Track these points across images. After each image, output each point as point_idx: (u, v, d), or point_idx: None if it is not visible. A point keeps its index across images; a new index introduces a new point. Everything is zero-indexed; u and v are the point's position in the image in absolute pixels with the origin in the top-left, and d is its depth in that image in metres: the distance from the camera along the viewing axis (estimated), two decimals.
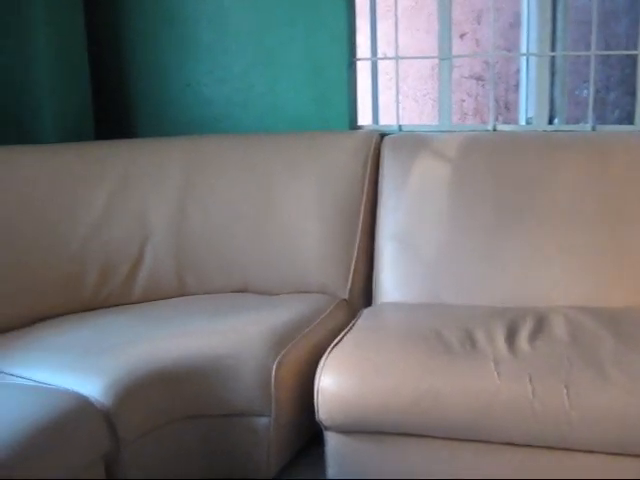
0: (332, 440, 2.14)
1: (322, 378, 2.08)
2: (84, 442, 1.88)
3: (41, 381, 2.03)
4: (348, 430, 2.10)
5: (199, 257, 2.74)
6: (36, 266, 2.53)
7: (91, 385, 1.98)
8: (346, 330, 2.32)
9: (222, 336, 2.24)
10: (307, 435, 2.38)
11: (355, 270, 2.72)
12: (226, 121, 3.12)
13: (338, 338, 2.25)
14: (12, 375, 2.08)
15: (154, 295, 2.69)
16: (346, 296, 2.69)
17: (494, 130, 2.93)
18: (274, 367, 2.14)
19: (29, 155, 2.68)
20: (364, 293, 2.77)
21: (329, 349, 2.18)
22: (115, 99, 3.24)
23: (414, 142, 2.82)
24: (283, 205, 2.76)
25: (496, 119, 3.29)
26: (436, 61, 3.10)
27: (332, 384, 2.06)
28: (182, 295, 2.72)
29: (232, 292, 2.74)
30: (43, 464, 1.74)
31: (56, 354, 2.17)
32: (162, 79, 3.18)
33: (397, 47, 3.04)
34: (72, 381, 2.00)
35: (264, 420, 2.18)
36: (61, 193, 2.64)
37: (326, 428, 2.12)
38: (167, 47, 3.16)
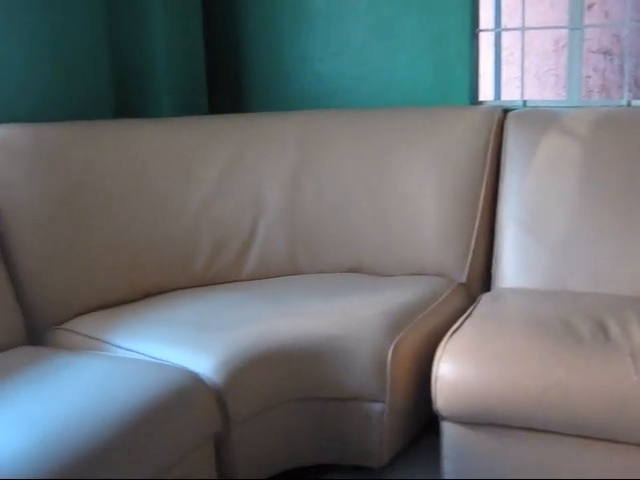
0: (449, 430, 2.02)
1: (441, 365, 1.97)
2: (195, 420, 1.84)
3: (153, 356, 2.01)
4: (467, 421, 1.98)
5: (312, 235, 2.67)
6: (149, 240, 2.51)
7: (203, 362, 1.94)
8: (465, 316, 2.20)
9: (337, 317, 2.16)
10: (421, 424, 2.28)
11: (474, 253, 2.59)
12: (340, 96, 3.02)
13: (457, 324, 2.13)
14: (124, 349, 2.08)
15: (265, 273, 2.64)
16: (464, 280, 2.56)
17: (628, 105, 2.71)
18: (390, 351, 2.04)
19: (145, 128, 2.66)
20: (482, 277, 2.63)
21: (448, 335, 2.06)
22: (229, 73, 3.20)
23: (540, 118, 2.64)
24: (399, 183, 2.65)
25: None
26: (560, 35, 2.91)
27: (452, 371, 1.95)
28: (293, 274, 2.66)
29: (345, 272, 2.65)
30: (154, 440, 1.71)
31: (168, 329, 2.15)
32: (276, 53, 3.12)
33: (524, 16, 2.86)
34: (184, 357, 1.96)
35: (378, 406, 2.09)
36: (175, 167, 2.62)
37: (443, 418, 2.02)
38: (282, 21, 3.09)
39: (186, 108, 2.97)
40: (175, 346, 2.03)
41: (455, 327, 2.10)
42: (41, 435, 1.55)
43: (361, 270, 2.65)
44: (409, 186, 2.64)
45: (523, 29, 2.89)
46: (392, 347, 2.05)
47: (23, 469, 1.44)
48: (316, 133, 2.75)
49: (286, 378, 2.05)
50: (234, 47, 3.18)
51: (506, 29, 3.09)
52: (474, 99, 2.90)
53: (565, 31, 2.84)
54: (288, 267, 2.66)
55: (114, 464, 1.59)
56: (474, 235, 2.58)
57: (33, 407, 1.69)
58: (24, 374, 1.88)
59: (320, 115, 2.82)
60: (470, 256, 2.58)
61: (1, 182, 2.24)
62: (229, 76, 3.20)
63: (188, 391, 1.83)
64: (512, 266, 2.52)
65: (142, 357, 2.01)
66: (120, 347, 2.08)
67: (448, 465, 2.05)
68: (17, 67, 2.57)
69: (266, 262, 2.65)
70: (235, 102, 3.17)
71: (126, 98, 2.94)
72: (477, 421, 1.96)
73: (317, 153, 2.72)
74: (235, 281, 2.61)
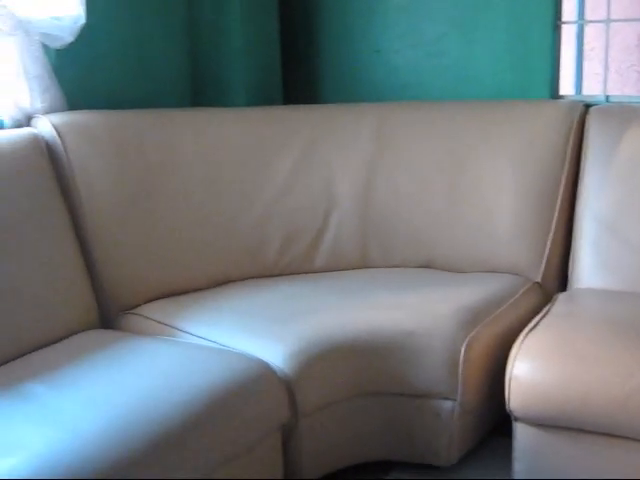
0: (522, 433, 1.96)
1: (516, 364, 1.91)
2: (264, 410, 1.83)
3: (222, 343, 2.00)
4: (542, 423, 1.92)
5: (384, 229, 2.63)
6: (221, 229, 2.52)
7: (273, 352, 1.93)
8: (541, 315, 2.13)
9: (408, 311, 2.12)
10: (492, 424, 2.23)
11: (550, 251, 2.51)
12: (416, 88, 2.97)
13: (533, 323, 2.07)
14: (194, 335, 2.08)
15: (336, 265, 2.61)
16: (539, 279, 2.49)
17: None
18: (463, 348, 2.00)
19: (221, 118, 2.67)
20: (558, 277, 2.55)
21: (524, 333, 2.00)
22: (304, 64, 3.18)
23: (624, 114, 2.55)
24: (475, 178, 2.59)
25: None
26: None
27: (527, 371, 1.89)
28: (364, 267, 2.63)
29: (416, 267, 2.61)
30: (223, 428, 1.71)
31: (238, 317, 2.15)
32: (351, 45, 3.09)
33: (609, 8, 2.76)
34: (254, 346, 1.95)
35: (448, 404, 2.05)
36: (249, 157, 2.61)
37: (516, 419, 1.96)
38: (357, 12, 3.06)
39: (261, 99, 2.96)
40: (245, 335, 2.02)
41: (531, 326, 2.04)
42: (114, 418, 1.56)
43: (433, 265, 2.60)
44: (485, 181, 2.58)
45: (608, 21, 2.79)
46: (465, 343, 2.00)
47: (97, 451, 1.45)
48: (391, 126, 2.71)
49: (356, 371, 2.03)
50: (309, 39, 3.16)
51: (590, 21, 2.98)
52: (554, 93, 2.81)
53: None
54: (359, 260, 2.63)
55: (183, 450, 1.59)
56: (551, 233, 2.51)
57: (105, 389, 1.70)
58: (97, 357, 1.90)
59: (395, 107, 2.78)
60: (546, 255, 2.51)
61: (80, 167, 2.26)
62: (304, 68, 3.18)
63: (258, 380, 1.83)
64: (590, 266, 2.43)
65: (213, 345, 2.01)
66: (190, 334, 2.09)
67: (519, 467, 2.00)
68: (100, 56, 2.61)
69: (337, 254, 2.62)
70: (309, 94, 3.15)
71: (203, 88, 2.95)
72: (553, 424, 1.90)
73: (391, 146, 2.68)
74: (306, 273, 2.59)
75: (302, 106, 2.86)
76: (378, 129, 2.70)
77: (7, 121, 2.30)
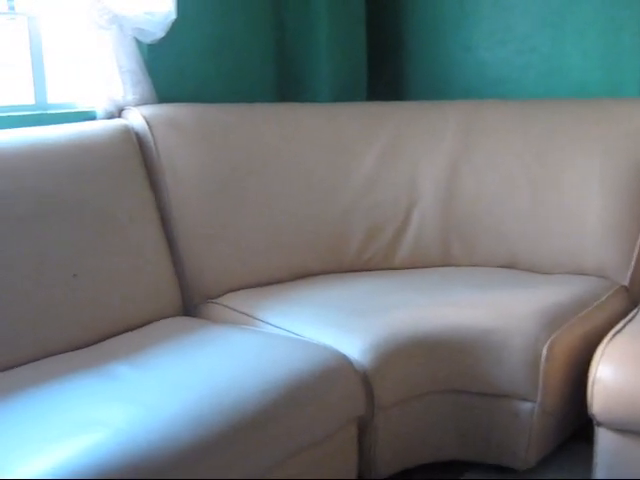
0: (605, 438, 1.90)
1: (600, 368, 1.86)
2: (340, 401, 1.84)
3: (301, 335, 2.02)
4: (625, 429, 1.86)
5: (467, 227, 2.60)
6: (304, 223, 2.54)
7: (351, 345, 1.93)
8: (627, 319, 2.07)
9: (489, 310, 2.09)
10: (573, 427, 2.18)
11: (639, 254, 2.43)
12: (504, 85, 2.93)
13: (619, 326, 2.00)
14: (274, 326, 2.10)
15: (417, 262, 2.60)
16: (626, 282, 2.41)
17: None
18: (545, 349, 1.96)
19: (306, 113, 2.69)
20: None
21: (609, 337, 1.94)
22: (390, 61, 3.17)
23: None
24: (562, 177, 2.52)
25: None
26: None
27: (612, 375, 1.83)
28: (446, 265, 2.60)
29: (499, 267, 2.56)
30: (299, 416, 1.72)
31: (317, 310, 2.16)
32: (439, 42, 3.07)
33: None
34: (333, 338, 1.96)
35: (528, 405, 2.01)
36: (334, 151, 2.62)
37: (599, 424, 1.90)
38: (447, 9, 3.03)
39: (345, 95, 2.98)
40: (324, 327, 2.03)
41: (616, 330, 1.98)
42: (194, 400, 1.59)
43: (516, 265, 2.55)
44: (572, 181, 2.51)
45: None
46: (547, 344, 1.96)
47: (176, 431, 1.48)
48: (477, 123, 2.67)
49: (434, 368, 2.01)
50: (396, 35, 3.15)
51: None
52: None
53: None
54: (441, 258, 2.61)
55: (259, 435, 1.61)
56: None
57: (186, 373, 1.74)
58: (179, 342, 1.95)
59: (482, 104, 2.74)
60: (635, 258, 2.43)
61: (167, 158, 2.32)
62: (390, 64, 3.17)
63: (335, 371, 1.83)
64: None
65: (291, 335, 2.02)
66: (269, 324, 2.11)
67: (600, 474, 1.94)
68: (189, 51, 2.67)
69: (419, 251, 2.61)
70: (394, 90, 3.14)
71: (289, 84, 2.99)
72: (637, 430, 1.84)
73: (477, 143, 2.65)
74: (386, 269, 2.59)
75: (387, 102, 2.85)
76: (464, 126, 2.67)
77: (100, 112, 2.38)
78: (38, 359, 1.86)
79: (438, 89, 3.04)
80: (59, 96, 2.42)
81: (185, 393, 1.62)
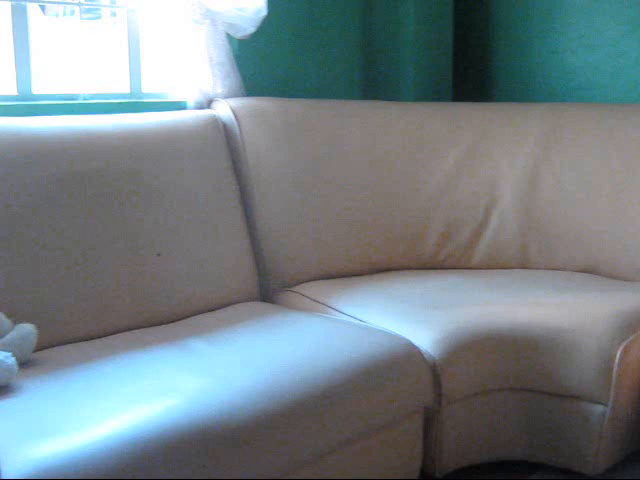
0: None
1: None
2: (408, 389, 1.86)
3: (374, 324, 2.05)
4: None
5: (546, 229, 2.58)
6: (382, 218, 2.57)
7: (422, 336, 1.96)
8: None
9: (564, 310, 2.07)
10: None
11: None
12: (591, 90, 2.90)
13: None
14: (347, 315, 2.14)
15: (493, 263, 2.60)
16: None
17: None
18: (619, 351, 1.93)
19: (389, 111, 2.72)
20: None
21: None
22: (475, 62, 3.18)
23: None
24: None
25: None
26: None
27: None
28: (522, 267, 2.59)
29: (577, 271, 2.54)
30: (367, 399, 1.76)
31: (390, 302, 2.18)
32: (526, 45, 3.06)
33: None
34: (403, 329, 1.99)
35: (599, 408, 1.98)
36: (415, 149, 2.65)
37: None
38: (534, 13, 3.03)
39: (430, 94, 3.01)
40: (396, 318, 2.06)
41: None
42: (264, 375, 1.65)
43: (595, 271, 2.52)
44: None
45: None
46: (622, 348, 1.93)
47: (245, 402, 1.54)
48: (560, 126, 2.66)
49: (504, 364, 2.01)
50: (483, 36, 3.16)
51: None
52: None
53: None
54: (518, 259, 2.60)
55: (325, 414, 1.65)
56: None
57: (259, 351, 1.80)
58: (254, 324, 2.01)
59: (567, 107, 2.72)
60: None
61: (252, 149, 2.40)
62: (475, 66, 3.18)
63: (405, 359, 1.86)
64: None
65: (364, 324, 2.06)
66: (343, 313, 2.16)
67: None
68: (278, 46, 2.75)
69: (496, 252, 2.60)
70: (479, 91, 3.15)
71: (374, 82, 3.04)
72: None
73: (559, 147, 2.63)
74: (462, 268, 2.60)
75: (470, 103, 2.86)
76: (547, 129, 2.66)
77: (190, 103, 2.48)
78: (124, 330, 1.97)
79: (523, 91, 3.04)
80: (153, 86, 2.54)
81: (257, 369, 1.68)
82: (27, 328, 1.74)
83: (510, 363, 2.02)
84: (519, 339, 2.01)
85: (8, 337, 1.71)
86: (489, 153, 2.66)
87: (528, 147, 2.65)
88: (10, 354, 1.59)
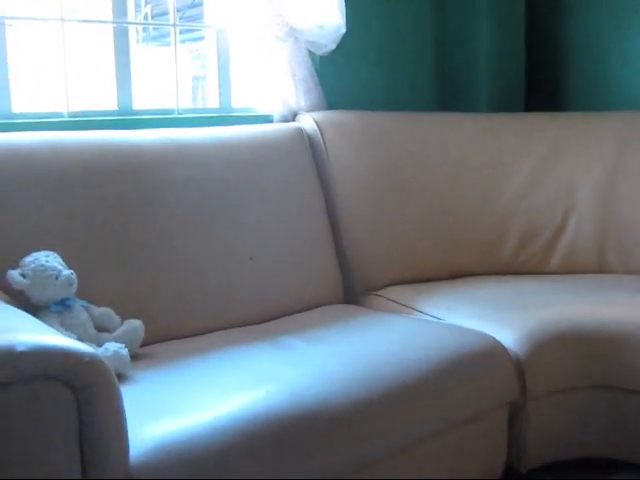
0: None
1: None
2: (493, 384, 1.93)
3: (458, 324, 2.12)
4: None
5: (624, 235, 2.61)
6: (463, 226, 2.65)
7: (506, 334, 2.02)
8: None
9: None
10: None
11: None
12: None
13: None
14: (432, 316, 2.22)
15: (571, 268, 2.64)
16: None
17: None
18: None
19: (464, 122, 2.81)
20: None
21: None
22: (548, 72, 3.23)
23: None
24: None
25: None
26: None
27: None
28: (600, 272, 2.62)
29: None
30: (454, 393, 1.83)
31: (472, 304, 2.25)
32: (598, 54, 3.10)
33: None
34: (488, 328, 2.05)
35: None
36: (491, 159, 2.72)
37: None
38: (606, 24, 3.06)
39: (503, 105, 3.08)
40: (480, 318, 2.12)
41: None
42: (356, 367, 1.74)
43: None
44: None
45: None
46: None
47: (340, 390, 1.63)
48: (636, 134, 2.69)
49: (588, 362, 2.05)
50: (555, 47, 3.21)
51: None
52: None
53: None
54: (595, 264, 2.63)
55: (415, 405, 1.73)
56: None
57: (350, 346, 1.89)
58: (343, 323, 2.10)
59: None
60: None
61: (335, 159, 2.52)
62: (548, 76, 3.23)
63: (490, 355, 1.93)
64: None
65: (448, 323, 2.13)
66: (427, 314, 2.23)
67: None
68: (356, 62, 2.87)
69: (573, 257, 2.64)
70: (551, 102, 3.20)
71: (448, 94, 3.13)
72: None
73: (636, 153, 2.66)
74: (540, 273, 2.65)
75: (544, 113, 2.91)
76: (622, 136, 2.70)
77: (276, 116, 2.61)
78: (219, 329, 2.09)
79: (596, 101, 3.07)
80: (241, 101, 2.68)
81: (350, 362, 1.77)
82: (135, 323, 1.87)
83: (592, 361, 2.06)
84: (601, 338, 2.05)
85: (119, 331, 1.84)
86: (565, 160, 2.71)
87: (604, 154, 2.69)
88: (123, 346, 1.72)
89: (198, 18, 2.74)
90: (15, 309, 1.49)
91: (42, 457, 1.18)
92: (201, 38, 2.70)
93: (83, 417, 1.22)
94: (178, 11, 2.56)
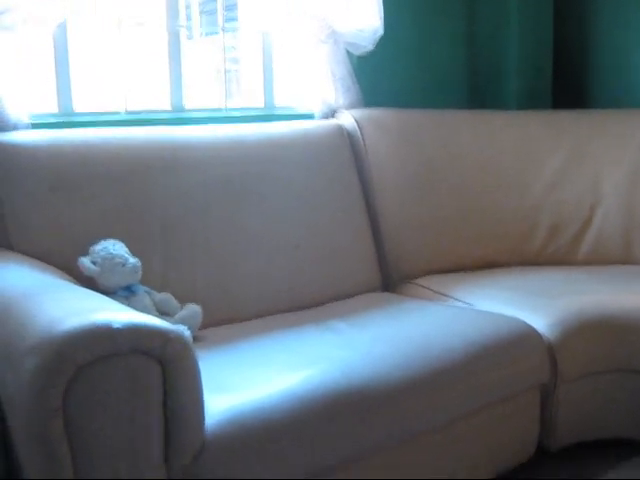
0: None
1: None
2: (526, 366, 2.05)
3: (492, 311, 2.24)
4: None
5: None
6: (494, 218, 2.77)
7: (538, 320, 2.14)
8: None
9: None
10: None
11: None
12: None
13: None
14: (467, 303, 2.35)
15: (598, 259, 2.76)
16: None
17: None
18: None
19: (495, 119, 2.93)
20: None
21: None
22: (575, 70, 3.34)
23: None
24: None
25: None
26: None
27: None
28: (626, 263, 2.74)
29: None
30: (488, 374, 1.96)
31: (505, 292, 2.37)
32: (623, 53, 3.19)
33: None
34: (522, 314, 2.17)
35: None
36: (521, 154, 2.85)
37: None
38: (633, 21, 3.15)
39: (532, 103, 3.20)
40: (513, 305, 2.25)
41: None
42: (398, 349, 1.87)
43: None
44: None
45: None
46: None
47: (383, 369, 1.76)
48: None
49: (616, 347, 2.17)
50: (582, 46, 3.32)
51: None
52: None
53: None
54: (622, 256, 2.75)
55: (453, 385, 1.86)
56: None
57: (391, 330, 2.03)
58: (383, 309, 2.24)
59: None
60: None
61: (373, 153, 2.66)
62: (575, 74, 3.34)
63: (524, 339, 2.05)
64: None
65: (483, 310, 2.26)
66: (462, 301, 2.36)
67: None
68: (392, 62, 3.01)
69: (600, 248, 2.76)
70: (578, 100, 3.31)
71: (479, 93, 3.26)
72: None
73: None
74: (568, 264, 2.77)
75: (572, 110, 3.03)
76: None
77: (317, 114, 2.75)
78: (266, 315, 2.23)
79: (622, 99, 3.17)
80: (283, 99, 2.82)
81: (391, 343, 1.91)
82: (195, 308, 2.02)
83: (620, 346, 2.18)
84: (626, 324, 2.17)
85: (180, 315, 1.99)
86: (592, 156, 2.83)
87: (631, 150, 2.80)
88: (186, 328, 1.87)
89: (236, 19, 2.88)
90: (94, 292, 1.63)
91: (133, 420, 1.33)
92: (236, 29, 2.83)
93: (167, 387, 1.36)
94: (225, 11, 2.71)
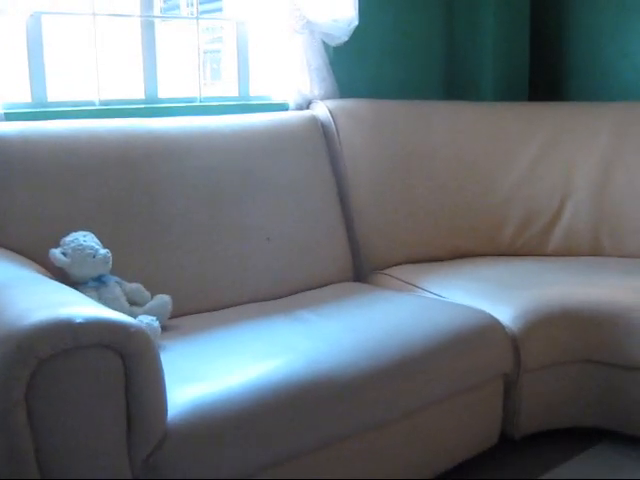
0: None
1: None
2: (489, 356, 2.11)
3: (457, 302, 2.29)
4: None
5: (617, 220, 2.77)
6: (467, 209, 2.82)
7: (503, 311, 2.19)
8: None
9: (632, 291, 2.27)
10: None
11: None
12: None
13: None
14: (433, 293, 2.39)
15: (567, 251, 2.80)
16: None
17: None
18: None
19: (470, 111, 2.96)
20: None
21: None
22: (550, 64, 3.38)
23: None
24: None
25: None
26: None
27: None
28: (595, 255, 2.79)
29: None
30: (452, 364, 2.01)
31: (472, 283, 2.42)
32: (597, 47, 3.24)
33: None
34: (487, 305, 2.22)
35: None
36: (494, 146, 2.88)
37: None
38: (604, 17, 3.20)
39: (508, 95, 3.23)
40: (479, 296, 2.29)
41: None
42: (366, 339, 1.92)
43: None
44: None
45: None
46: None
47: (351, 359, 1.80)
48: (632, 124, 2.84)
49: (579, 339, 2.22)
50: (557, 40, 3.35)
51: None
52: None
53: None
54: (591, 248, 2.79)
55: (419, 375, 1.91)
56: None
57: (360, 320, 2.07)
58: (353, 299, 2.28)
59: (637, 107, 2.90)
60: None
61: (347, 145, 2.69)
62: (550, 67, 3.38)
63: (487, 330, 2.11)
64: None
65: (450, 301, 2.31)
66: (430, 292, 2.40)
67: None
68: (367, 53, 3.03)
69: (569, 241, 2.81)
70: (553, 92, 3.35)
71: (455, 84, 3.30)
72: None
73: (631, 143, 2.81)
74: (538, 255, 2.82)
75: (546, 103, 3.07)
76: (619, 126, 2.85)
77: (291, 104, 2.77)
78: (238, 304, 2.27)
79: (596, 91, 3.22)
80: (258, 90, 2.83)
81: (359, 334, 1.95)
82: (165, 298, 2.05)
83: (583, 338, 2.23)
84: (591, 316, 2.22)
85: (150, 305, 2.02)
86: (564, 149, 2.87)
87: (601, 143, 2.84)
88: (155, 318, 1.90)
89: (217, 9, 2.89)
90: (64, 285, 1.66)
91: (94, 412, 1.36)
92: (219, 9, 2.84)
93: (129, 380, 1.40)
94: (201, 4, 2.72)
